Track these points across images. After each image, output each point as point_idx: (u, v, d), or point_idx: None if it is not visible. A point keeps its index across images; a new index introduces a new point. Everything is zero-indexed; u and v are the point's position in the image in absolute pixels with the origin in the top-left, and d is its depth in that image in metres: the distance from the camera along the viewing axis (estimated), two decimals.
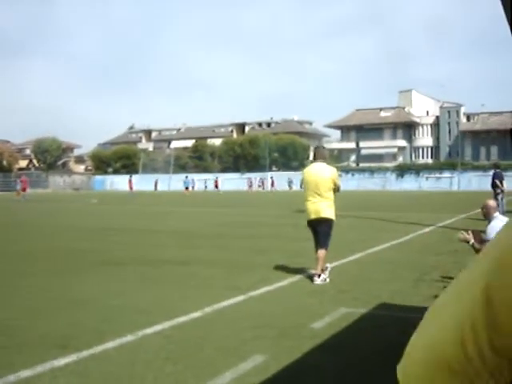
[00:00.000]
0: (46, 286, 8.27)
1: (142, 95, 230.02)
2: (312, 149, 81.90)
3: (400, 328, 5.83)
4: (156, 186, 58.97)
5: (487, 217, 8.27)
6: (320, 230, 8.45)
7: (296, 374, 4.54)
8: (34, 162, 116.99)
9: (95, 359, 4.79)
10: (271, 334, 5.49)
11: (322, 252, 8.32)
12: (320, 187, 8.36)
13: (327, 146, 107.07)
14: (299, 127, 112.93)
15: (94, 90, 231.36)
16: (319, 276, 8.17)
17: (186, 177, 66.87)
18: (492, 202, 8.57)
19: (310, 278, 8.55)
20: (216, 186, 73.60)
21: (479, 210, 8.78)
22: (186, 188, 62.18)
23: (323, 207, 8.38)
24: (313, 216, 8.43)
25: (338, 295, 7.35)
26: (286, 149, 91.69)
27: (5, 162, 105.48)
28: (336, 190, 8.68)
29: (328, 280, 8.22)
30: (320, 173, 8.48)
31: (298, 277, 8.60)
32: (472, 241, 7.54)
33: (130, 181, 60.78)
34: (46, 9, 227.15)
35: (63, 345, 5.21)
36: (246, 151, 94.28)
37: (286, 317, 6.24)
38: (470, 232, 7.78)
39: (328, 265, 8.56)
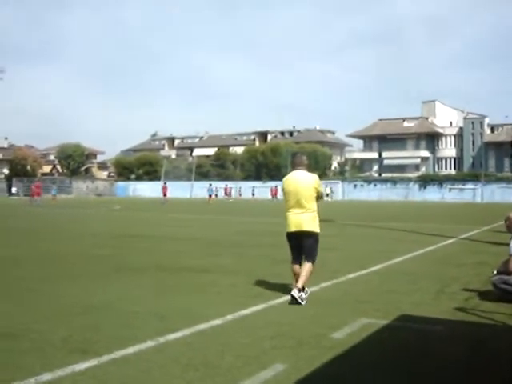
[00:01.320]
0: (65, 291, 8.32)
1: (165, 103, 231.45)
2: (334, 158, 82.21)
3: (421, 340, 5.81)
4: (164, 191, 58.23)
5: (511, 230, 8.19)
6: (304, 244, 7.72)
7: (317, 383, 4.53)
8: (58, 167, 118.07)
9: (115, 364, 4.81)
10: (291, 344, 5.48)
11: (308, 264, 7.66)
12: (301, 197, 7.67)
13: (350, 155, 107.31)
14: (321, 136, 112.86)
15: (118, 96, 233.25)
16: (300, 291, 7.37)
17: (210, 185, 67.14)
18: None
19: (330, 288, 8.55)
20: (225, 193, 74.36)
21: (502, 222, 8.69)
22: (210, 196, 62.33)
23: (306, 219, 7.67)
24: (293, 229, 7.75)
25: (358, 306, 7.31)
26: (308, 158, 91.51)
27: (29, 167, 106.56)
28: (319, 198, 7.90)
29: (304, 303, 7.33)
30: (301, 181, 7.77)
31: (318, 286, 8.57)
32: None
33: (165, 187, 60.72)
34: (65, 15, 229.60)
35: (83, 349, 5.24)
36: (267, 160, 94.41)
37: (305, 326, 6.22)
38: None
39: (307, 289, 7.66)
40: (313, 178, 7.84)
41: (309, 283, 7.70)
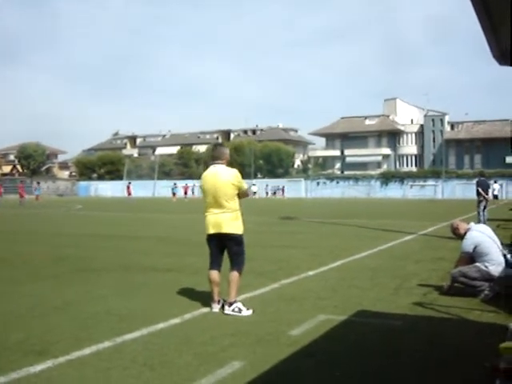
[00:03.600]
0: (26, 292, 8.21)
1: (126, 101, 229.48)
2: (297, 156, 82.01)
3: (379, 335, 5.87)
4: (129, 191, 58.80)
5: (460, 235, 8.39)
6: (228, 249, 7.04)
7: (273, 380, 4.55)
8: (18, 167, 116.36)
9: (71, 365, 4.77)
10: (249, 341, 5.50)
11: (234, 274, 6.94)
12: (220, 195, 6.87)
13: (312, 153, 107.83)
14: (284, 135, 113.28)
15: (79, 95, 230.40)
16: (231, 304, 6.77)
17: (175, 184, 67.08)
18: (456, 221, 8.87)
19: (291, 285, 8.59)
20: (185, 193, 74.65)
21: (462, 217, 8.84)
22: (174, 194, 62.23)
23: (225, 220, 6.89)
24: (212, 230, 6.98)
25: (317, 302, 7.36)
26: (271, 156, 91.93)
27: None
28: (241, 195, 7.09)
29: (247, 312, 6.71)
30: (219, 177, 6.92)
31: (279, 284, 8.60)
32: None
33: (129, 187, 60.94)
34: (35, 15, 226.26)
35: (40, 351, 5.18)
36: (231, 158, 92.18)
37: (264, 324, 6.24)
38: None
39: (238, 302, 6.89)
40: (232, 173, 6.98)
41: (271, 280, 7.65)
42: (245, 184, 7.10)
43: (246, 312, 6.68)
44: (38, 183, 62.16)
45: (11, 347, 5.36)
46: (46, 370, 4.67)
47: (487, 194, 20.37)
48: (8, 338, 5.69)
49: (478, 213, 19.82)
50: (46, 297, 7.85)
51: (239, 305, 6.78)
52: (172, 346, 5.31)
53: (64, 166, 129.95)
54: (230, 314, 6.66)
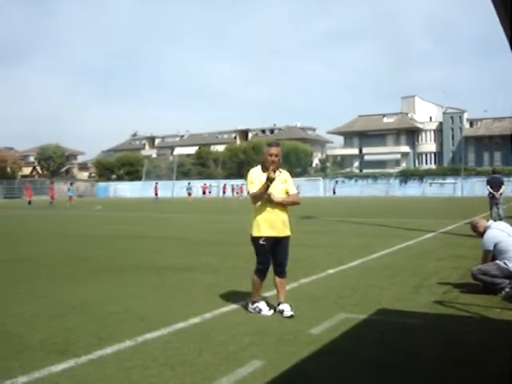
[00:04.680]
0: (45, 292, 8.29)
1: (145, 102, 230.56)
2: (315, 155, 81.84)
3: (399, 333, 5.84)
4: (156, 191, 59.62)
5: (480, 233, 8.36)
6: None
7: (293, 379, 4.54)
8: (38, 169, 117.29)
9: (93, 365, 4.80)
10: (269, 340, 5.50)
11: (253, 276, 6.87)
12: None
13: (331, 152, 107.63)
14: (302, 133, 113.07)
15: (98, 97, 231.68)
16: (253, 303, 6.83)
17: (189, 183, 67.27)
18: (476, 219, 8.84)
19: (310, 284, 8.59)
20: (203, 193, 75.32)
21: (482, 215, 8.78)
22: (189, 194, 62.42)
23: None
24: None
25: (337, 301, 7.34)
26: (289, 155, 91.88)
27: (8, 169, 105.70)
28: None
29: (268, 312, 6.67)
30: None
31: (298, 283, 8.59)
32: None
33: (156, 187, 61.46)
34: (47, 16, 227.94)
35: (61, 351, 5.22)
36: (249, 157, 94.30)
37: (285, 322, 6.25)
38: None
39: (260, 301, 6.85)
40: None
41: (291, 279, 7.50)
42: (250, 186, 6.70)
43: (267, 312, 6.66)
44: (71, 184, 62.68)
45: (33, 346, 5.40)
46: (68, 369, 4.70)
47: (498, 191, 19.27)
48: (30, 337, 5.73)
49: (491, 212, 18.96)
50: (65, 296, 7.90)
51: (260, 305, 6.78)
52: (192, 346, 5.33)
53: (83, 167, 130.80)
54: (251, 312, 6.73)
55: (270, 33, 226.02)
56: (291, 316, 6.45)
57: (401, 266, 10.47)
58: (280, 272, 6.79)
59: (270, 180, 6.47)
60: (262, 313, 6.64)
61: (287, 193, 6.75)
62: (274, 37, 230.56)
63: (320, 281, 8.96)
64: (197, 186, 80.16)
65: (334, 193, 79.68)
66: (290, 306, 6.64)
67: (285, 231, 6.71)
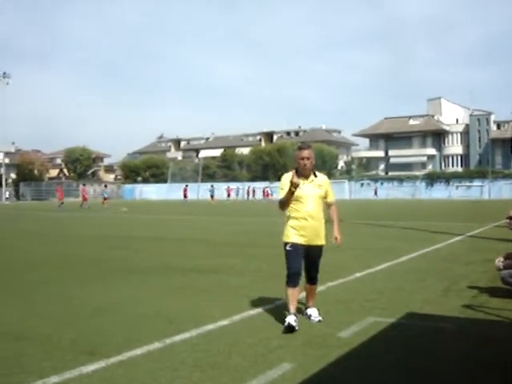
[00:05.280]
0: (75, 293, 8.36)
1: (170, 105, 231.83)
2: (340, 157, 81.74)
3: (428, 337, 5.79)
4: (185, 193, 60.05)
5: None
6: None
7: (323, 382, 4.53)
8: (65, 171, 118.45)
9: (123, 366, 4.83)
10: (298, 343, 5.48)
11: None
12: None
13: (356, 154, 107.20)
14: (327, 136, 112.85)
15: (123, 99, 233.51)
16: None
17: (212, 185, 67.50)
18: None
19: (337, 287, 8.57)
20: (228, 195, 75.66)
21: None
22: (212, 196, 62.60)
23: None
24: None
25: (365, 304, 7.30)
26: (314, 157, 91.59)
27: (36, 172, 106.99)
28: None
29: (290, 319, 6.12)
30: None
31: (325, 286, 8.56)
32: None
33: (185, 189, 61.78)
34: (72, 18, 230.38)
35: (91, 351, 5.26)
36: (274, 160, 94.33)
37: (313, 325, 6.23)
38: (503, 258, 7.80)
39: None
40: None
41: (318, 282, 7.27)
42: (280, 191, 6.40)
43: (287, 322, 6.04)
44: (106, 186, 63.71)
45: (63, 347, 5.45)
46: (98, 370, 4.73)
47: None
48: (59, 338, 5.79)
49: None
50: (93, 298, 7.97)
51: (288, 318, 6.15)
52: (221, 348, 5.33)
53: (109, 169, 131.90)
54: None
55: (296, 34, 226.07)
56: (319, 321, 6.37)
57: (429, 269, 10.39)
58: (309, 280, 6.63)
59: (293, 185, 6.09)
60: (284, 324, 6.01)
61: (325, 198, 6.49)
62: (300, 38, 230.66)
63: (347, 284, 8.92)
64: (221, 188, 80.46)
65: (376, 194, 79.81)
66: (318, 310, 6.58)
67: (316, 240, 6.35)
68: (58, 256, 13.13)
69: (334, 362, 4.95)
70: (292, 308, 6.18)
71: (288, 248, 6.35)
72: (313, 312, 6.55)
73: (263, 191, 79.05)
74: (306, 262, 6.46)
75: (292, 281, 6.28)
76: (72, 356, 5.14)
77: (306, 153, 6.32)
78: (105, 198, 52.97)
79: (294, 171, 6.32)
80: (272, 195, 72.17)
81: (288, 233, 6.40)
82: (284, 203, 6.33)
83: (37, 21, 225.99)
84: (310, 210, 6.28)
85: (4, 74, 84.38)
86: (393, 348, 5.40)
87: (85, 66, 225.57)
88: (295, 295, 6.31)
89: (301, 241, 6.30)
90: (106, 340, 5.67)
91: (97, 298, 7.98)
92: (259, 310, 7.02)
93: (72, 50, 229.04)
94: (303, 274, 6.52)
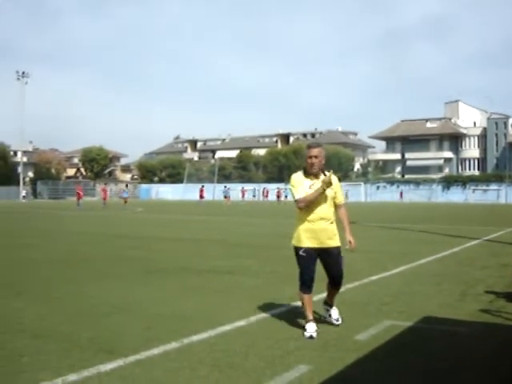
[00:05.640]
0: (92, 292, 8.41)
1: (187, 106, 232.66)
2: (356, 159, 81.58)
3: (445, 341, 5.78)
4: (201, 194, 60.09)
5: None
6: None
7: None
8: (82, 170, 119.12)
9: (141, 365, 4.86)
10: (314, 345, 5.49)
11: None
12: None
13: (372, 157, 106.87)
14: (344, 138, 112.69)
15: (140, 100, 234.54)
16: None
17: (225, 186, 67.57)
18: None
19: (354, 290, 8.56)
20: (242, 196, 75.82)
21: None
22: (225, 197, 62.69)
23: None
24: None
25: (382, 307, 7.30)
26: (330, 159, 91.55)
27: (53, 171, 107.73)
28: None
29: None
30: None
31: (342, 288, 8.55)
32: None
33: (202, 190, 61.88)
34: (96, 19, 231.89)
35: (109, 350, 5.30)
36: (290, 161, 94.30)
37: (330, 328, 6.23)
38: None
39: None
40: None
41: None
42: (294, 191, 6.18)
43: (307, 333, 5.91)
44: (127, 186, 64.33)
45: (81, 345, 5.49)
46: (116, 368, 4.76)
47: None
48: (78, 336, 5.83)
49: None
50: (110, 297, 8.03)
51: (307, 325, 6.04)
52: (238, 349, 5.35)
53: (126, 169, 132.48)
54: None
55: (313, 36, 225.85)
56: (337, 320, 6.35)
57: (445, 273, 10.36)
58: (334, 285, 6.36)
59: (326, 184, 5.97)
60: (305, 333, 5.89)
61: (333, 199, 6.22)
62: (317, 40, 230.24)
63: (363, 287, 8.90)
64: (237, 189, 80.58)
65: (401, 197, 79.88)
66: (339, 311, 6.49)
67: (330, 242, 6.11)
68: (76, 254, 13.21)
69: (351, 364, 4.95)
70: (310, 314, 6.05)
71: (301, 253, 6.12)
72: (333, 313, 6.46)
73: (277, 192, 79.17)
74: (325, 267, 6.24)
75: (306, 287, 6.12)
76: (90, 354, 5.18)
77: (314, 151, 6.12)
78: (125, 198, 53.40)
79: (301, 171, 6.24)
80: (286, 197, 72.09)
81: (299, 237, 6.15)
82: (310, 202, 6.03)
83: (54, 23, 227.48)
84: (321, 211, 6.09)
85: (23, 73, 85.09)
86: (410, 351, 5.40)
87: (102, 66, 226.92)
88: (311, 301, 6.18)
89: (313, 244, 6.08)
90: (123, 339, 5.71)
91: (114, 296, 8.03)
92: (275, 311, 7.03)
93: (90, 51, 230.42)
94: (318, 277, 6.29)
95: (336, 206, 6.35)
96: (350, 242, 6.34)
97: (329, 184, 5.98)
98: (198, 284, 9.18)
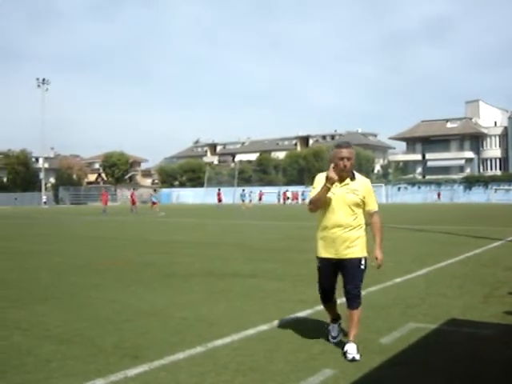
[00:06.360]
0: (115, 297, 8.48)
1: (206, 110, 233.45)
2: (376, 161, 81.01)
3: (470, 344, 5.75)
4: (219, 197, 60.31)
5: None
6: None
7: None
8: (103, 175, 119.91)
9: (166, 369, 4.89)
10: (339, 349, 5.47)
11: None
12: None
13: (393, 158, 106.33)
14: (363, 139, 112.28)
15: (160, 105, 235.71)
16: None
17: (243, 190, 67.60)
18: None
19: (377, 293, 8.54)
20: (260, 199, 75.91)
21: None
22: (243, 201, 62.77)
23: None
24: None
25: (406, 310, 7.27)
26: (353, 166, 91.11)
27: (74, 176, 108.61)
28: None
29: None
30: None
31: (365, 291, 8.50)
32: None
33: (219, 193, 62.10)
34: (111, 24, 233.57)
35: (134, 355, 5.33)
36: (310, 164, 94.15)
37: None
38: None
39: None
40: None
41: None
42: (311, 193, 5.63)
43: (332, 338, 5.79)
44: (155, 190, 64.58)
45: (106, 350, 5.54)
46: (142, 373, 4.80)
47: None
48: (103, 341, 5.88)
49: None
50: (133, 302, 8.08)
51: (330, 327, 5.93)
52: (262, 353, 5.37)
53: (147, 173, 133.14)
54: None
55: (331, 38, 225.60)
56: (353, 359, 5.13)
57: (469, 275, 10.28)
58: (349, 301, 5.49)
59: (330, 181, 5.32)
60: (329, 337, 5.78)
61: (357, 205, 5.45)
62: (336, 41, 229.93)
63: (387, 289, 8.87)
64: (256, 192, 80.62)
65: (439, 198, 79.76)
66: (357, 347, 5.28)
67: (347, 253, 5.42)
68: (100, 260, 13.31)
69: (376, 368, 4.94)
70: (332, 316, 5.86)
71: (318, 264, 5.70)
72: (350, 348, 5.28)
73: (293, 194, 79.13)
74: (343, 280, 5.54)
75: (323, 298, 5.78)
76: (116, 359, 5.22)
77: (346, 152, 5.39)
78: (153, 203, 53.64)
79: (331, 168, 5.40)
80: (304, 199, 72.06)
81: (317, 246, 5.66)
82: (315, 202, 5.50)
83: (70, 28, 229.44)
84: (338, 218, 5.42)
85: (43, 80, 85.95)
86: (434, 354, 5.37)
87: (121, 71, 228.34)
88: (332, 307, 5.83)
89: (330, 255, 5.49)
90: (148, 344, 5.75)
91: (138, 301, 8.08)
92: (299, 314, 7.04)
93: (110, 57, 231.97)
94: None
95: (368, 215, 5.61)
96: (376, 258, 5.61)
97: (333, 181, 5.32)
98: (221, 288, 9.20)
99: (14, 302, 8.26)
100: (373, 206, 5.58)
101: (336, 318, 5.86)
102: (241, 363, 5.05)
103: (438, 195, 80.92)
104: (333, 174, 5.28)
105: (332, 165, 5.41)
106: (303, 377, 4.68)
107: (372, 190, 5.64)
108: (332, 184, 5.33)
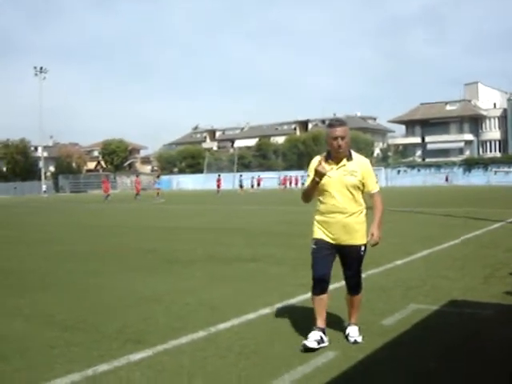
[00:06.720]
0: (117, 283, 8.52)
1: (205, 95, 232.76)
2: (376, 144, 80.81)
3: (471, 325, 5.77)
4: (219, 184, 60.13)
5: None
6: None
7: (367, 370, 4.55)
8: (102, 163, 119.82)
9: (169, 354, 4.92)
10: (341, 331, 5.50)
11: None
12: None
13: (392, 141, 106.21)
14: (363, 123, 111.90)
15: (159, 91, 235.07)
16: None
17: (241, 175, 67.49)
18: None
19: (379, 275, 8.57)
20: (258, 184, 75.82)
21: None
22: (241, 186, 62.69)
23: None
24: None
25: (407, 292, 7.30)
26: (350, 145, 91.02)
27: (74, 164, 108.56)
28: None
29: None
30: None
31: (366, 274, 8.50)
32: None
33: (219, 180, 62.00)
34: (111, 15, 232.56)
35: (137, 340, 5.37)
36: (309, 148, 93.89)
37: None
38: None
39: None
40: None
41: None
42: (307, 181, 5.31)
43: (308, 343, 5.00)
44: (158, 177, 64.58)
45: (110, 336, 5.57)
46: (145, 358, 4.83)
47: None
48: (106, 327, 5.92)
49: None
50: (136, 288, 8.10)
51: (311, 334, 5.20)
52: (264, 337, 5.39)
53: (146, 160, 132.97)
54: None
55: (330, 22, 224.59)
56: (355, 342, 5.14)
57: (470, 256, 10.31)
58: (349, 287, 5.38)
59: (318, 174, 5.03)
60: (303, 341, 5.04)
61: (356, 188, 5.16)
62: (334, 26, 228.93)
63: (388, 272, 8.90)
64: (252, 177, 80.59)
65: (447, 180, 79.63)
66: (359, 329, 5.31)
67: (347, 239, 5.16)
68: (102, 247, 13.34)
69: (378, 349, 4.97)
70: (319, 321, 5.22)
71: (312, 246, 5.27)
72: (352, 331, 5.30)
73: (291, 179, 78.94)
74: (343, 266, 5.34)
75: (316, 287, 5.24)
76: (119, 344, 5.25)
77: (339, 131, 5.13)
78: (157, 189, 53.71)
79: (323, 155, 5.22)
80: (303, 184, 72.11)
81: (314, 228, 5.29)
82: (307, 194, 5.29)
83: (69, 17, 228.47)
84: (336, 202, 5.12)
85: (41, 68, 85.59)
86: (436, 335, 5.40)
87: (119, 59, 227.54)
88: (322, 304, 5.24)
89: (328, 238, 5.19)
90: (151, 329, 5.78)
91: (140, 287, 8.11)
92: (300, 298, 7.05)
93: (106, 44, 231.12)
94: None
95: (368, 195, 5.32)
96: (372, 235, 5.22)
97: (322, 174, 5.01)
98: (223, 273, 9.23)
99: (14, 289, 8.30)
100: (373, 187, 5.26)
101: (321, 327, 5.20)
102: (243, 346, 5.07)
103: (446, 178, 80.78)
104: (322, 167, 4.98)
105: (323, 154, 5.21)
106: (306, 359, 4.70)
107: (371, 170, 5.33)
108: (321, 178, 5.03)
